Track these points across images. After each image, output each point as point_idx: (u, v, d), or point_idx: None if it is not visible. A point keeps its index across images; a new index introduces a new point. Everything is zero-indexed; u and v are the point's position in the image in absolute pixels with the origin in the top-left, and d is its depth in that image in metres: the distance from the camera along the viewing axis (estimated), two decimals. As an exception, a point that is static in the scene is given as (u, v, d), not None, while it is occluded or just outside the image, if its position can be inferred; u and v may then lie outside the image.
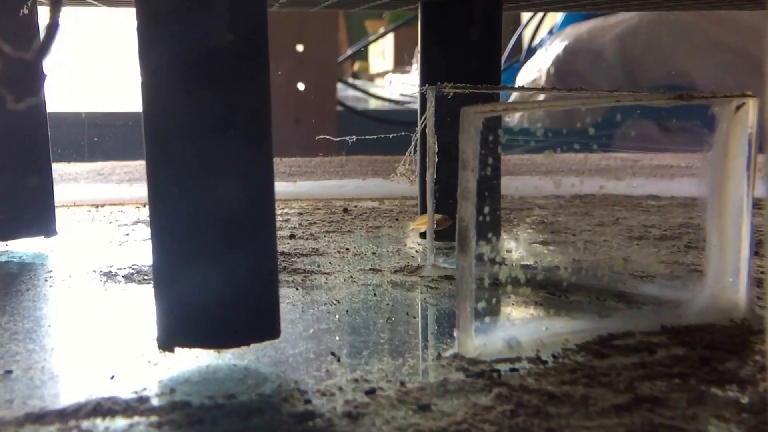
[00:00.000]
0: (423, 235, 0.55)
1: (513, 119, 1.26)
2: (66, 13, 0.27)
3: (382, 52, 2.86)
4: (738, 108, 0.33)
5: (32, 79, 0.28)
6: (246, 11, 0.29)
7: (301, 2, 0.53)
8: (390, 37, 2.61)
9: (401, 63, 2.64)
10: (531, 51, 1.79)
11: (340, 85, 1.83)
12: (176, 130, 0.30)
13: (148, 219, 0.31)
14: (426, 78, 0.52)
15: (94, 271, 0.48)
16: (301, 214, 0.67)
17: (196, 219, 0.30)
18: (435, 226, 0.49)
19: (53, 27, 0.28)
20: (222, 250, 0.30)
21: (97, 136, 1.04)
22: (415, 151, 0.50)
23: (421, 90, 0.48)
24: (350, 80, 2.30)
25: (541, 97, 0.49)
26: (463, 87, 0.45)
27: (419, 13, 0.54)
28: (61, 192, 0.58)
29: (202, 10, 0.29)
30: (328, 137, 0.59)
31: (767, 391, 0.28)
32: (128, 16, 0.31)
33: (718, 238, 0.34)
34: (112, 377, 0.31)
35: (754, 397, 0.28)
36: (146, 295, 0.43)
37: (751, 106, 0.33)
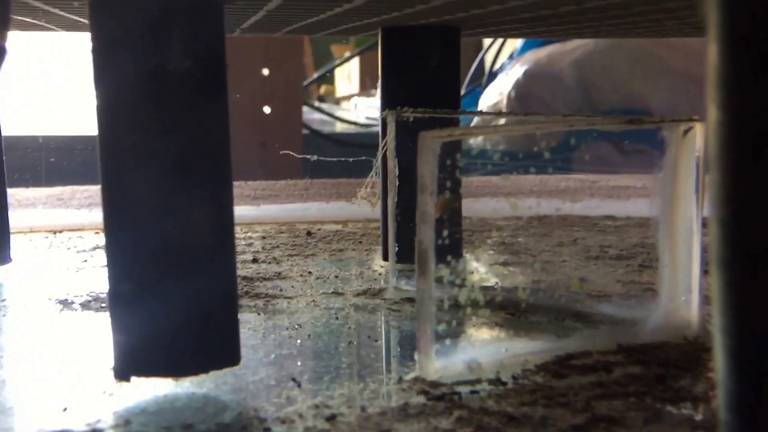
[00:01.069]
0: (386, 257, 0.55)
1: (473, 143, 1.27)
2: (15, 37, 0.27)
3: (348, 75, 2.89)
4: (686, 132, 0.34)
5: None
6: (203, 36, 0.30)
7: (263, 28, 0.54)
8: (355, 61, 2.63)
9: (367, 86, 2.67)
10: (492, 75, 1.82)
11: (306, 109, 1.84)
12: (131, 155, 0.30)
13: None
14: (387, 102, 0.53)
15: (50, 299, 0.47)
16: (264, 237, 0.67)
17: (151, 245, 0.30)
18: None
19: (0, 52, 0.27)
20: (179, 276, 0.30)
21: (56, 160, 1.03)
22: (377, 174, 0.50)
23: (381, 114, 0.49)
24: (316, 103, 2.31)
25: (502, 121, 0.50)
26: (423, 111, 0.46)
27: (379, 38, 0.55)
28: (17, 218, 0.57)
29: (158, 34, 0.29)
30: (290, 153, 0.59)
31: (719, 408, 0.28)
32: (87, 39, 0.31)
33: (670, 258, 0.35)
34: (65, 409, 0.30)
35: (706, 414, 0.29)
36: (103, 323, 0.42)
37: (698, 130, 0.34)
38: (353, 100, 2.57)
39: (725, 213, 0.15)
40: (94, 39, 0.30)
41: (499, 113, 0.45)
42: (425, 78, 0.53)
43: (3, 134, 0.53)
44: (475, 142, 1.16)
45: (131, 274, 0.30)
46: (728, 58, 0.15)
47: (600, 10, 0.41)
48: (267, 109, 1.52)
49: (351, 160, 0.51)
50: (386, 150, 0.47)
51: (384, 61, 0.55)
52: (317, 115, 2.08)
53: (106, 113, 0.30)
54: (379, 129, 0.51)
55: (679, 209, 0.34)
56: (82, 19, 0.41)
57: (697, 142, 0.34)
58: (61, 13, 0.38)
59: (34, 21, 0.43)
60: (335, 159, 0.53)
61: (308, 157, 0.52)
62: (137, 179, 0.30)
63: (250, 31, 0.54)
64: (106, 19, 0.29)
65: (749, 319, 0.15)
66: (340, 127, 2.06)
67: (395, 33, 0.53)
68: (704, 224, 0.35)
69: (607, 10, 0.41)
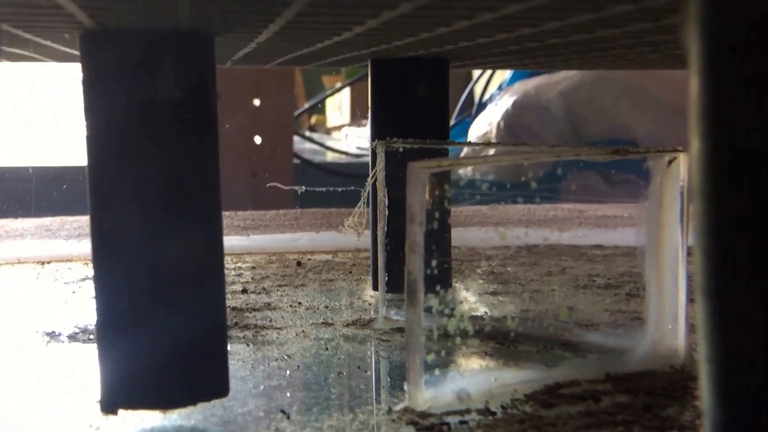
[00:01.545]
0: (375, 287, 0.55)
1: (462, 173, 1.28)
2: (4, 67, 0.28)
3: (339, 105, 2.90)
4: (670, 162, 0.34)
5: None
6: (194, 68, 0.30)
7: (253, 59, 0.54)
8: (346, 91, 2.65)
9: (357, 116, 2.68)
10: (482, 105, 1.84)
11: (297, 138, 1.85)
12: (121, 186, 0.30)
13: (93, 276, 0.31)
14: (377, 132, 0.54)
15: (37, 331, 0.47)
16: (254, 268, 0.67)
17: (140, 276, 0.30)
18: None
19: None
20: (167, 307, 0.30)
21: (45, 191, 1.02)
22: (366, 204, 0.50)
23: (371, 145, 0.49)
24: (307, 133, 2.32)
25: (491, 151, 0.51)
26: (412, 142, 0.46)
27: (369, 69, 0.55)
28: (5, 249, 0.57)
29: (149, 66, 0.29)
30: (278, 185, 0.59)
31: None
32: (77, 70, 0.31)
33: (657, 287, 0.35)
34: (53, 441, 0.30)
35: (695, 442, 0.29)
36: (91, 355, 0.42)
37: (683, 161, 0.34)
38: (344, 130, 2.59)
39: (708, 242, 0.15)
40: (84, 70, 0.30)
41: (487, 144, 0.46)
42: (414, 109, 0.54)
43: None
44: (465, 172, 1.17)
45: (119, 305, 0.30)
46: (708, 90, 0.16)
47: (585, 43, 0.41)
48: (258, 139, 1.53)
49: (340, 189, 0.51)
50: (376, 180, 0.47)
51: (374, 92, 0.55)
52: (308, 145, 2.09)
53: (95, 143, 0.30)
54: (369, 159, 0.51)
55: (665, 238, 0.34)
56: (72, 51, 0.41)
57: (681, 172, 0.34)
58: (52, 45, 0.39)
59: (24, 52, 0.44)
60: (323, 189, 0.53)
61: (296, 188, 0.53)
62: (126, 209, 0.30)
63: (241, 63, 0.55)
64: (96, 51, 0.30)
65: (734, 347, 0.16)
66: (331, 156, 2.07)
67: (385, 64, 0.54)
68: (689, 253, 0.35)
69: (592, 43, 0.42)
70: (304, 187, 0.52)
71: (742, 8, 0.14)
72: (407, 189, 0.31)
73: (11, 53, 0.46)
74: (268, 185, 0.59)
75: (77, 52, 0.34)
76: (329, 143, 2.26)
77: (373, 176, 0.47)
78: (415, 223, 0.31)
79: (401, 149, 0.46)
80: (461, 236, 0.70)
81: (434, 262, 0.32)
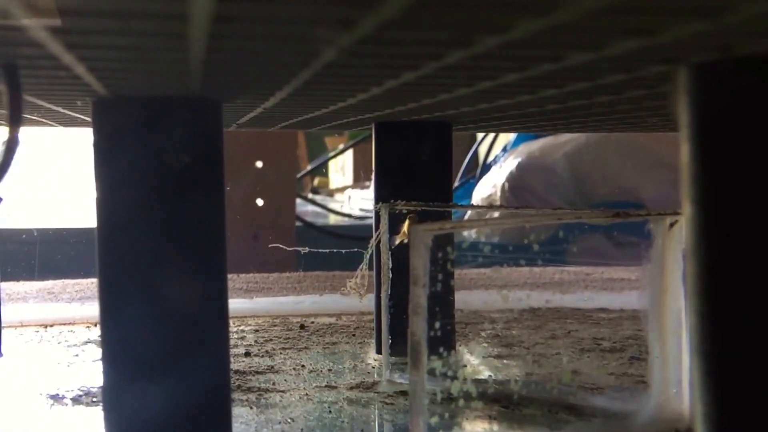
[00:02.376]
0: (379, 350, 0.55)
1: (466, 235, 1.28)
2: (23, 131, 0.28)
3: (341, 167, 2.93)
4: (672, 224, 0.35)
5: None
6: (203, 133, 0.31)
7: (258, 123, 0.55)
8: (349, 153, 2.67)
9: (360, 178, 2.70)
10: (486, 167, 1.85)
11: (299, 201, 1.86)
12: (130, 248, 0.30)
13: (99, 339, 0.31)
14: (380, 195, 0.54)
15: (41, 394, 0.47)
16: (257, 330, 0.67)
17: (147, 340, 0.30)
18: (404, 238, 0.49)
19: (12, 145, 0.28)
20: (173, 371, 0.30)
21: (49, 253, 1.03)
22: (369, 266, 0.51)
23: (375, 207, 0.49)
24: (310, 195, 2.33)
25: (496, 214, 0.51)
26: (415, 204, 0.46)
27: (373, 133, 0.56)
28: (8, 312, 0.57)
29: (159, 130, 0.30)
30: (280, 246, 0.59)
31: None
32: (82, 134, 0.32)
33: (660, 350, 0.35)
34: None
35: None
36: (94, 417, 0.42)
37: (684, 223, 0.35)
38: (347, 192, 2.60)
39: (701, 305, 0.15)
40: (96, 134, 0.31)
41: (490, 206, 0.46)
42: (418, 171, 0.55)
43: None
44: (468, 234, 1.17)
45: (125, 368, 0.30)
46: (698, 157, 0.16)
47: (584, 108, 0.42)
48: (260, 202, 1.54)
49: (343, 251, 0.51)
50: (379, 242, 0.47)
51: (378, 155, 0.56)
52: (311, 207, 2.10)
53: (105, 204, 0.31)
54: (372, 221, 0.52)
55: (668, 301, 0.34)
56: (80, 116, 0.42)
57: (683, 234, 0.34)
58: (63, 111, 0.40)
59: (32, 117, 0.45)
60: (326, 251, 0.53)
61: (299, 249, 0.53)
62: (133, 270, 0.30)
63: (246, 126, 0.56)
64: (109, 117, 0.31)
65: (728, 407, 0.16)
66: (333, 219, 2.08)
67: (388, 128, 0.55)
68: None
69: (591, 108, 0.43)
70: (307, 248, 0.53)
71: (725, 80, 0.15)
72: (410, 251, 0.31)
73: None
74: (270, 245, 0.59)
75: (86, 118, 0.35)
76: (332, 205, 2.27)
77: (376, 238, 0.48)
78: (418, 285, 0.31)
79: (405, 211, 0.47)
80: (464, 299, 0.70)
81: (437, 325, 0.32)
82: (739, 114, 0.15)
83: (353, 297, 0.50)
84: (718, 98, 0.15)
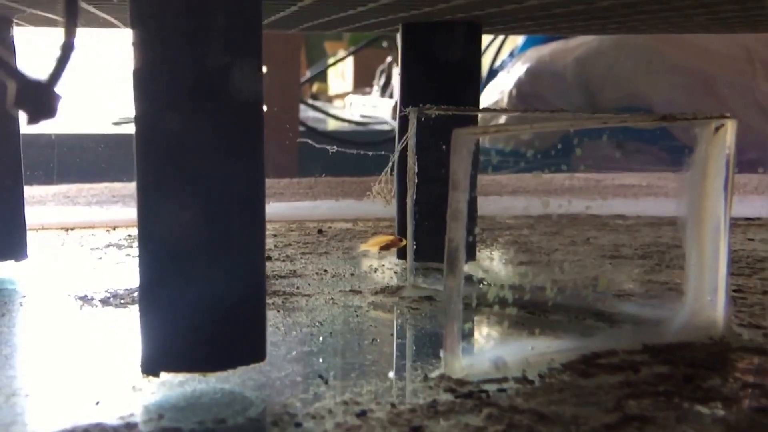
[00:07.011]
0: (401, 255, 0.55)
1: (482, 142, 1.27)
2: (81, 34, 0.28)
3: (342, 73, 2.87)
4: (717, 129, 0.34)
5: (46, 99, 0.28)
6: (242, 32, 0.30)
7: (281, 25, 0.53)
8: (350, 59, 2.62)
9: (361, 84, 2.65)
10: (492, 73, 1.81)
11: (301, 106, 1.83)
12: (169, 149, 0.30)
13: (137, 235, 0.31)
14: (406, 98, 0.53)
15: (69, 296, 0.47)
16: (275, 235, 0.67)
17: (184, 240, 0.30)
18: (387, 246, 0.50)
19: (68, 47, 0.28)
20: (209, 271, 0.30)
21: (67, 158, 1.02)
22: (391, 171, 0.50)
23: (403, 112, 0.48)
24: (310, 101, 2.30)
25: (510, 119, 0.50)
26: (446, 109, 0.45)
27: (400, 34, 0.54)
28: (30, 215, 0.57)
29: (200, 32, 0.29)
30: (309, 141, 0.59)
31: (752, 409, 0.28)
32: (98, 37, 0.31)
33: (697, 258, 0.35)
34: (97, 403, 0.30)
35: (739, 415, 0.29)
36: (124, 319, 0.42)
37: (730, 128, 0.34)
38: (348, 99, 2.56)
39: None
40: (135, 36, 0.29)
41: (524, 111, 0.45)
42: (446, 75, 0.53)
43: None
44: (481, 141, 1.16)
45: (162, 269, 0.30)
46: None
47: (610, 9, 0.41)
48: (264, 107, 1.52)
49: (370, 153, 0.51)
50: (405, 147, 0.47)
51: (405, 57, 0.54)
52: (311, 113, 2.07)
53: (144, 109, 0.30)
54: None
55: (707, 208, 0.34)
56: (108, 17, 0.41)
57: (728, 140, 0.34)
58: (94, 11, 0.38)
59: (57, 17, 0.43)
60: (354, 151, 0.52)
61: (327, 147, 0.52)
62: (172, 172, 0.29)
63: (268, 28, 0.54)
64: (148, 15, 0.29)
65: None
66: (332, 125, 2.05)
67: (416, 28, 0.53)
68: (732, 224, 0.35)
69: (615, 8, 0.41)
70: (335, 146, 0.52)
71: None
72: (451, 155, 0.31)
73: (44, 18, 0.46)
74: (298, 140, 0.59)
75: (112, 19, 0.33)
76: (331, 111, 2.24)
77: (402, 143, 0.47)
78: (459, 190, 0.31)
79: (432, 116, 0.46)
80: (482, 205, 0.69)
81: (474, 231, 0.32)
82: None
83: (377, 202, 0.49)
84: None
